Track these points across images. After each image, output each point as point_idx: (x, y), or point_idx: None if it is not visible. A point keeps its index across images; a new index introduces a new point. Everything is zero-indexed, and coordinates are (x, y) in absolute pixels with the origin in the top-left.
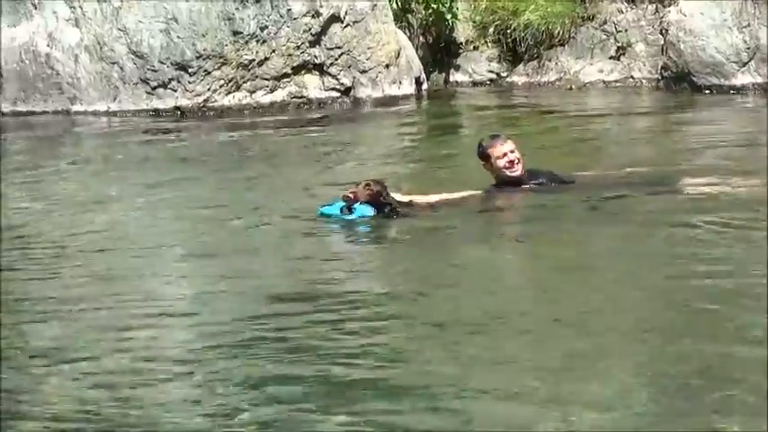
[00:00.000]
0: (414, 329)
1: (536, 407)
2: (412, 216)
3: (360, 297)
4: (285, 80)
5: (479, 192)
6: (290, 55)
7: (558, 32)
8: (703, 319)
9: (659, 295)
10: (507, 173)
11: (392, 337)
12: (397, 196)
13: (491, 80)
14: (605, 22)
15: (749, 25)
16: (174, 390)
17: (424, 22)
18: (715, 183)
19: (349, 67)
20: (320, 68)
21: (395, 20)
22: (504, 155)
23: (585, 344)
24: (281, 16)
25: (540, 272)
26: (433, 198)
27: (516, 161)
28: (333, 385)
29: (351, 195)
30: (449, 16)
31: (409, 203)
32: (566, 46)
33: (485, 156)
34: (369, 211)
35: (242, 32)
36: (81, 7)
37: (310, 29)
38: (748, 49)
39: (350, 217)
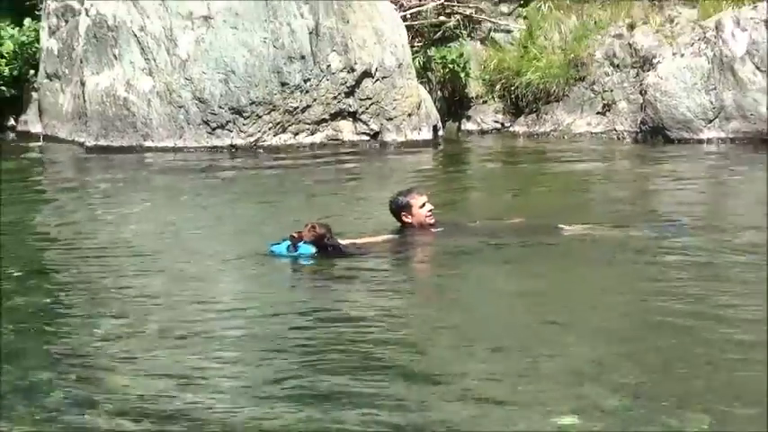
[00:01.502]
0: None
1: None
2: (351, 254)
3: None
4: (323, 125)
5: (398, 235)
6: (328, 104)
7: (554, 90)
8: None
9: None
10: (428, 220)
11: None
12: (343, 240)
13: (496, 129)
14: (594, 83)
15: (715, 88)
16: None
17: (442, 79)
18: (591, 228)
19: (377, 115)
20: (353, 116)
21: (417, 76)
22: (424, 205)
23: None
24: (321, 71)
25: (461, 293)
26: (368, 240)
27: (430, 212)
28: None
29: (296, 236)
30: (462, 75)
31: (350, 245)
32: (560, 102)
33: (407, 206)
34: (311, 249)
35: (288, 84)
36: (154, 59)
37: (346, 82)
38: (714, 108)
39: (293, 254)
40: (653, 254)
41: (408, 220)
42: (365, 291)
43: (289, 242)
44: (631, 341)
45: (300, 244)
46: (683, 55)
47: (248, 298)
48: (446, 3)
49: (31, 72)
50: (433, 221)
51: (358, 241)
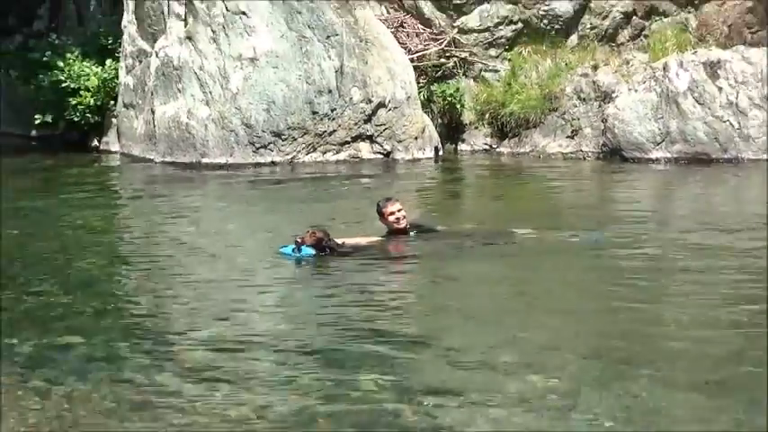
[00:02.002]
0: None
1: None
2: (343, 254)
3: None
4: (346, 146)
5: (382, 237)
6: (350, 128)
7: (532, 119)
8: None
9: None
10: (395, 226)
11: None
12: (338, 240)
13: (485, 150)
14: (564, 113)
15: (662, 118)
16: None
17: (442, 109)
18: (537, 231)
19: (390, 138)
20: (370, 138)
21: (421, 107)
22: (392, 213)
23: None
24: (345, 102)
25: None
26: (356, 241)
27: (402, 218)
28: None
29: (299, 240)
30: (458, 106)
31: (342, 245)
32: (537, 128)
33: (381, 213)
34: (311, 251)
35: (318, 112)
36: (210, 92)
37: (364, 111)
38: (661, 133)
39: (297, 255)
40: (597, 250)
41: (383, 222)
42: (364, 281)
43: (294, 245)
44: (585, 318)
45: (303, 247)
46: (636, 90)
47: (280, 283)
48: (446, 48)
49: (112, 102)
50: (401, 226)
51: (349, 241)
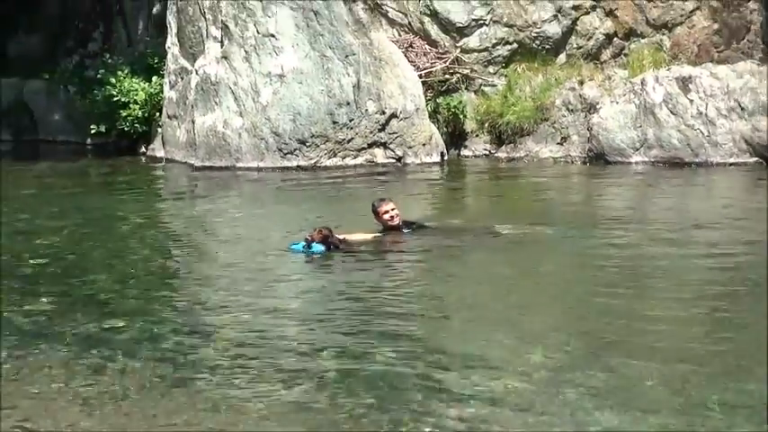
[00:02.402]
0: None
1: None
2: (347, 249)
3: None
4: (363, 151)
5: (379, 234)
6: (366, 136)
7: (526, 127)
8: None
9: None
10: (390, 224)
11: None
12: (340, 236)
13: (485, 155)
14: (555, 122)
15: (641, 126)
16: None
17: (446, 119)
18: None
19: (401, 144)
20: (384, 145)
21: (429, 117)
22: (387, 212)
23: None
24: (361, 113)
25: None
26: (356, 237)
27: (396, 216)
28: None
29: (309, 237)
30: (461, 116)
31: (344, 240)
32: (530, 135)
33: (376, 212)
34: (320, 248)
35: (338, 122)
36: (243, 105)
37: (379, 121)
38: (640, 140)
39: (308, 251)
40: (577, 247)
41: (378, 221)
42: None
43: (304, 242)
44: (571, 306)
45: (313, 244)
46: (618, 102)
47: (306, 272)
48: (450, 66)
49: (157, 114)
50: (395, 223)
51: (350, 238)
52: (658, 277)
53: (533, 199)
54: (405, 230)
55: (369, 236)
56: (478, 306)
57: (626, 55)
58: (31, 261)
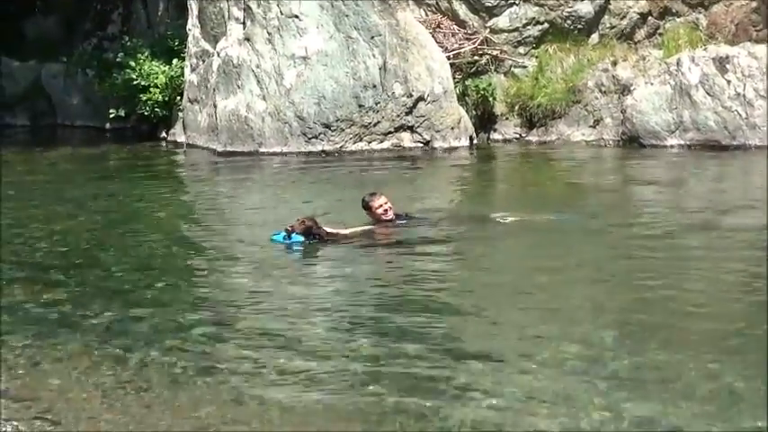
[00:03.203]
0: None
1: None
2: (334, 242)
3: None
4: (389, 135)
5: (372, 227)
6: (393, 120)
7: (558, 110)
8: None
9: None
10: (383, 217)
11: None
12: (327, 228)
13: (515, 138)
14: (587, 104)
15: (676, 108)
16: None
17: (476, 102)
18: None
19: (429, 128)
20: (411, 129)
21: (457, 100)
22: (380, 206)
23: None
24: (388, 96)
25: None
26: (346, 230)
27: (389, 209)
28: None
29: (290, 228)
30: (490, 99)
31: (332, 234)
32: (562, 118)
33: (368, 207)
34: (300, 238)
35: (364, 106)
36: (266, 88)
37: (406, 104)
38: (675, 122)
39: (288, 242)
40: (610, 234)
41: (370, 215)
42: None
43: (285, 233)
44: (603, 294)
45: (293, 234)
46: (652, 84)
47: (329, 259)
48: (479, 47)
49: (178, 98)
50: (389, 217)
51: (340, 231)
52: (694, 263)
53: (565, 184)
54: (399, 222)
55: (360, 228)
56: (506, 296)
57: (661, 35)
58: (50, 249)
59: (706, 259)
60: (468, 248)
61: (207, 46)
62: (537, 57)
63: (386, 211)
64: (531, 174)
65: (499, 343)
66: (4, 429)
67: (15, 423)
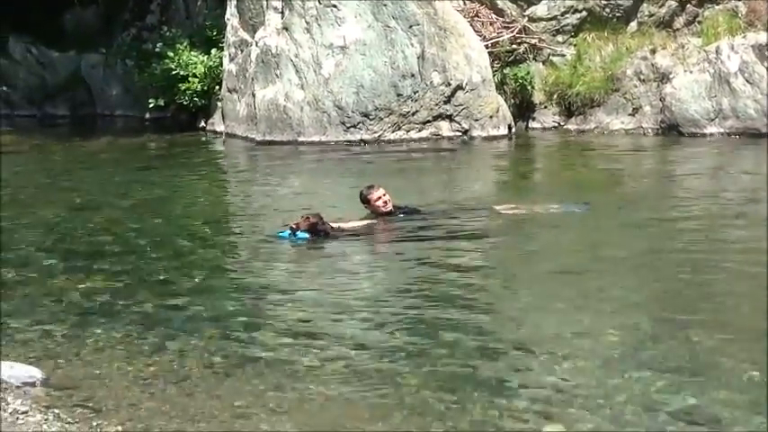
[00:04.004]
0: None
1: None
2: (341, 237)
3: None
4: (428, 124)
5: (374, 221)
6: (431, 109)
7: (596, 98)
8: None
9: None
10: (382, 210)
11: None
12: (333, 223)
13: (554, 127)
14: (626, 93)
15: (715, 96)
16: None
17: (514, 91)
18: (520, 207)
19: (467, 117)
20: (449, 117)
21: (495, 89)
22: (379, 198)
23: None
24: (426, 85)
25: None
26: (350, 224)
27: (388, 201)
28: None
29: (294, 226)
30: (529, 87)
31: (337, 229)
32: (601, 106)
33: (366, 200)
34: (305, 236)
35: (402, 95)
36: (305, 78)
37: (444, 93)
38: (714, 111)
39: (294, 239)
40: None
41: (369, 208)
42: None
43: (289, 231)
44: (643, 282)
45: (298, 232)
46: (691, 72)
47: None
48: (517, 35)
49: (217, 87)
50: (388, 209)
51: (344, 225)
52: (733, 253)
53: (605, 173)
54: (399, 215)
55: (364, 222)
56: (540, 286)
57: (700, 22)
58: (90, 238)
59: (746, 249)
60: (494, 241)
61: (245, 36)
62: (575, 45)
63: (384, 203)
64: (570, 163)
65: (534, 334)
66: (45, 417)
67: (57, 411)
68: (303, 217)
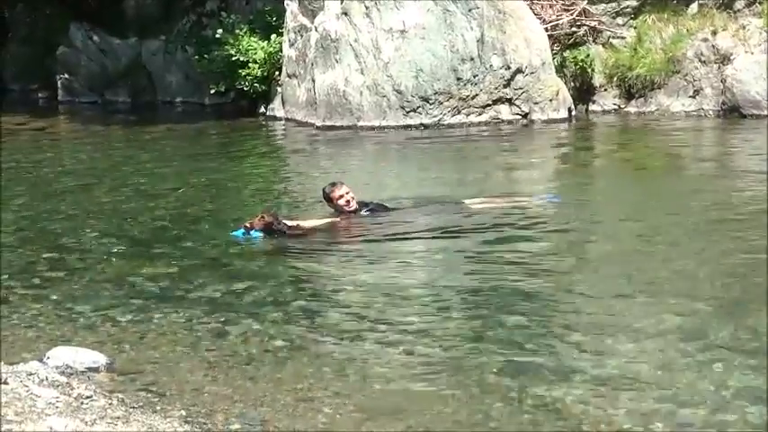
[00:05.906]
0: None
1: None
2: (297, 236)
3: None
4: (488, 108)
5: (336, 219)
6: (491, 93)
7: (657, 80)
8: None
9: None
10: (346, 208)
11: None
12: (289, 222)
13: (614, 110)
14: (686, 75)
15: None
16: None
17: (574, 74)
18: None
19: (527, 100)
20: (509, 101)
21: (555, 72)
22: (341, 196)
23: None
24: (486, 69)
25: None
26: (309, 223)
27: (351, 199)
28: None
29: (248, 225)
30: (589, 70)
31: (295, 227)
32: (661, 89)
33: (329, 198)
34: (260, 235)
35: (462, 78)
36: (365, 62)
37: (504, 77)
38: None
39: (248, 237)
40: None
41: (332, 206)
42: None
43: (243, 230)
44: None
45: (252, 231)
46: (752, 53)
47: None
48: (576, 18)
49: (276, 73)
50: (352, 208)
51: (303, 224)
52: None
53: (667, 156)
54: (363, 212)
55: (324, 221)
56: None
57: (761, 3)
58: (153, 223)
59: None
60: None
61: (305, 21)
62: (635, 27)
63: (348, 201)
64: (632, 146)
65: (595, 318)
66: (110, 402)
67: (121, 395)
68: (258, 216)
